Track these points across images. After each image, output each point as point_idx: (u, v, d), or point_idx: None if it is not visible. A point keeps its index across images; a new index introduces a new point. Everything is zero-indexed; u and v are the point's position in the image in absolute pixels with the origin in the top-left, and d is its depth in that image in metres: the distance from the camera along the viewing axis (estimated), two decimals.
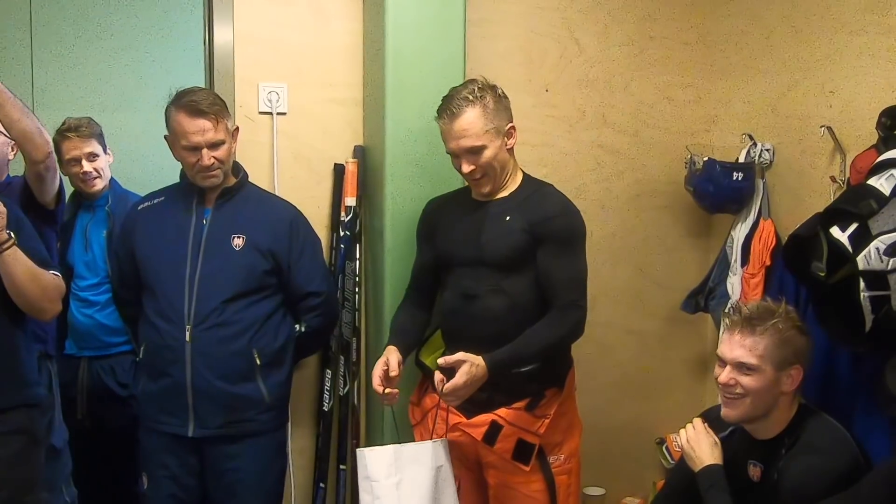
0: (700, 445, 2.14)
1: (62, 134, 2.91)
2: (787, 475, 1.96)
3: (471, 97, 2.31)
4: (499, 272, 2.36)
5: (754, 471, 2.08)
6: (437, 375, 2.25)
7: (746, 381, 2.03)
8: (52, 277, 2.34)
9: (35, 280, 2.27)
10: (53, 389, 2.67)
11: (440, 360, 2.24)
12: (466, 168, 2.34)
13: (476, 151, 2.32)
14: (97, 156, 2.95)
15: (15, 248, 2.22)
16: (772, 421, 2.06)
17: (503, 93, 2.39)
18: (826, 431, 2.01)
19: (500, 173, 2.38)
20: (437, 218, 2.51)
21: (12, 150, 2.68)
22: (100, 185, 2.97)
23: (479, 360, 2.21)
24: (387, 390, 2.30)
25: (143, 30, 4.03)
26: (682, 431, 2.20)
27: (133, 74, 3.99)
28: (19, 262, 2.23)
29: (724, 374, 2.06)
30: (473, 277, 2.38)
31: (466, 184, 2.52)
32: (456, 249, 2.42)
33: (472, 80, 2.38)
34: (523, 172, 2.46)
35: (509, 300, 2.34)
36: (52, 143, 2.54)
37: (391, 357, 2.33)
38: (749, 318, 2.05)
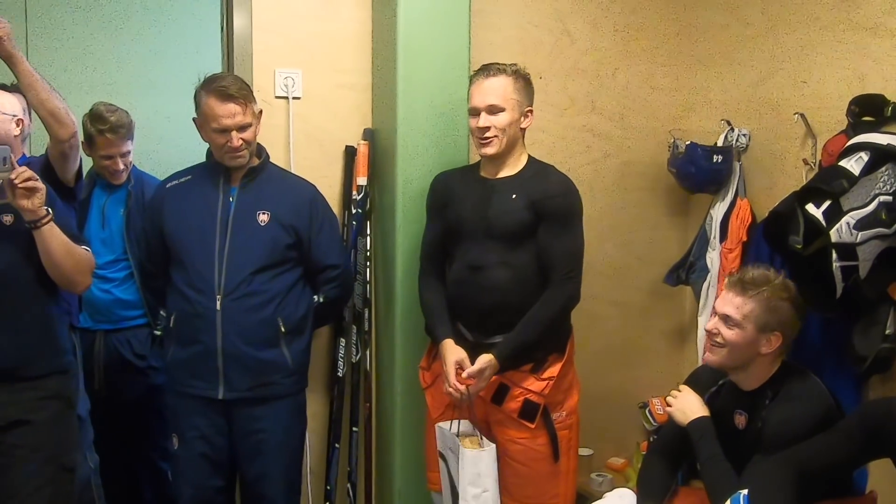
0: (688, 403, 2.31)
1: (101, 132, 2.94)
2: (770, 422, 2.13)
3: (508, 70, 2.51)
4: (504, 246, 2.51)
5: (740, 419, 2.25)
6: (461, 380, 2.47)
7: (728, 333, 2.21)
8: (85, 252, 2.42)
9: (70, 254, 2.34)
10: (78, 359, 2.76)
11: (465, 374, 2.46)
12: (482, 123, 2.49)
13: (495, 111, 2.49)
14: (130, 152, 3.03)
15: (52, 223, 2.28)
16: (754, 374, 2.23)
17: (532, 83, 2.58)
18: (805, 384, 2.18)
19: (507, 142, 2.51)
20: (448, 191, 2.64)
21: (17, 126, 2.61)
22: (125, 176, 3.06)
23: (493, 362, 2.45)
24: (461, 388, 2.46)
25: (163, 18, 4.09)
26: (670, 397, 2.37)
27: (154, 61, 4.05)
28: (56, 237, 2.29)
29: (711, 323, 2.26)
30: (480, 250, 2.53)
31: (470, 163, 2.67)
32: (465, 222, 2.56)
33: (513, 63, 2.56)
34: (529, 155, 2.61)
35: (513, 272, 2.50)
36: (77, 124, 2.57)
37: (460, 356, 2.49)
38: (744, 281, 2.24)
